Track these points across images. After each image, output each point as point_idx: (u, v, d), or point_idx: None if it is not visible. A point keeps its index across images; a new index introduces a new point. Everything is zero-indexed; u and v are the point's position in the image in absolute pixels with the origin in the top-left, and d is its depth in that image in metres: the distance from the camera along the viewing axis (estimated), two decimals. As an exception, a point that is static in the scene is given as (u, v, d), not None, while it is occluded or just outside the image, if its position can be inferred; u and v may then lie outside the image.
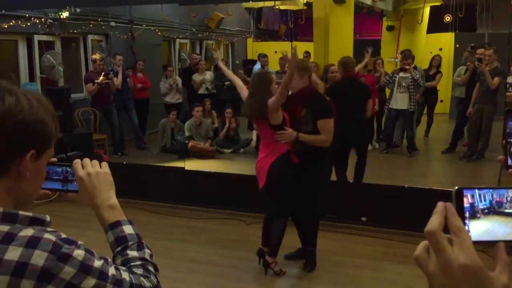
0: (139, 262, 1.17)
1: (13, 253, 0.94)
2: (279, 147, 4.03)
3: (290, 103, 4.14)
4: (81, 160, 1.27)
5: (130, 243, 1.20)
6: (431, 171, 7.98)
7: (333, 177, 5.54)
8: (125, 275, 1.08)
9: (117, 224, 1.22)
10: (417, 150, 8.08)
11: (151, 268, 1.18)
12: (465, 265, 0.62)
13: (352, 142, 5.58)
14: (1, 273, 0.93)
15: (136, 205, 5.98)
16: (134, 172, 6.38)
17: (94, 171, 1.25)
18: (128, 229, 1.22)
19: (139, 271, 1.15)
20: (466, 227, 0.67)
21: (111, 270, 1.05)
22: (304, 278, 4.25)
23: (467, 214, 0.68)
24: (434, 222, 0.64)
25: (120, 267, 1.11)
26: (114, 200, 1.25)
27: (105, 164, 1.29)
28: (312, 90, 4.23)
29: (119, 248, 1.19)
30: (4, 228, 0.97)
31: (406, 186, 5.26)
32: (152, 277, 1.16)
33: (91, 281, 0.99)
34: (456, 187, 0.69)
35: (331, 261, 4.51)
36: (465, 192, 0.69)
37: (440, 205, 0.66)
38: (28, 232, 0.98)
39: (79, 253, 1.00)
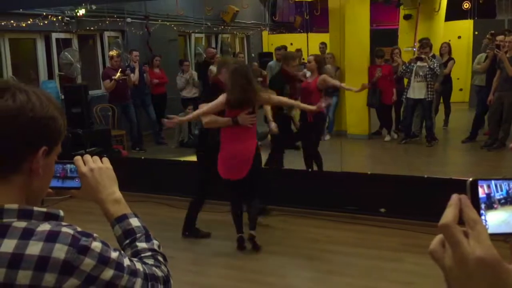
0: (149, 253, 1.19)
1: (34, 248, 0.96)
2: (254, 133, 4.40)
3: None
4: (82, 156, 1.27)
5: (138, 235, 1.21)
6: (451, 161, 7.89)
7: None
8: (139, 266, 1.10)
9: (124, 217, 1.23)
10: (436, 140, 7.98)
11: (160, 258, 1.21)
12: (481, 258, 0.60)
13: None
14: (23, 268, 0.94)
15: (155, 200, 6.04)
16: (153, 167, 6.43)
17: (97, 166, 1.26)
18: (134, 222, 1.24)
19: (150, 261, 1.17)
20: (483, 218, 0.66)
21: (126, 261, 1.07)
22: (322, 271, 4.24)
23: (483, 205, 0.67)
24: (448, 215, 0.63)
25: (132, 258, 1.13)
26: (118, 194, 1.26)
27: (106, 160, 1.30)
28: None
29: (127, 241, 1.21)
30: (22, 224, 0.99)
31: (426, 176, 5.20)
32: (163, 267, 1.18)
33: (110, 272, 1.01)
34: (471, 179, 0.68)
35: (350, 253, 4.50)
36: (481, 182, 0.68)
37: (455, 197, 0.65)
38: (46, 227, 0.99)
39: (96, 245, 1.01)
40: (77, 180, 1.25)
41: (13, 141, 1.00)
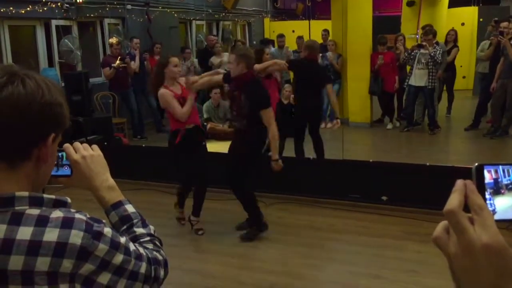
0: (147, 238, 1.22)
1: (51, 235, 0.96)
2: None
3: (231, 86, 4.56)
4: (71, 144, 1.26)
5: (135, 221, 1.23)
6: (453, 149, 7.86)
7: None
8: (142, 250, 1.12)
9: (119, 204, 1.24)
10: (438, 128, 7.95)
11: (158, 243, 1.24)
12: (488, 245, 0.58)
13: (309, 119, 6.09)
14: (42, 254, 0.95)
15: (157, 188, 6.03)
16: (154, 155, 6.41)
17: (88, 153, 1.26)
18: (130, 208, 1.25)
19: (150, 246, 1.20)
20: (491, 203, 0.64)
21: (132, 246, 1.09)
22: (325, 260, 4.24)
23: (490, 190, 0.65)
24: (453, 201, 0.61)
25: (135, 243, 1.14)
26: (111, 181, 1.26)
27: (96, 147, 1.29)
28: (251, 78, 4.38)
29: (124, 227, 1.22)
30: (35, 211, 0.99)
31: (428, 164, 5.17)
32: (162, 251, 1.22)
33: (120, 257, 1.04)
34: (476, 164, 0.65)
35: (353, 241, 4.49)
36: (488, 168, 0.65)
37: (460, 182, 0.63)
38: (58, 213, 1.00)
39: (108, 231, 1.04)
40: (66, 168, 1.24)
41: (25, 128, 0.99)
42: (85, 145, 1.27)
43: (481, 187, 0.64)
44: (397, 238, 4.48)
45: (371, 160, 5.52)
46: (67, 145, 1.24)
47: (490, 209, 0.63)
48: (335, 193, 5.34)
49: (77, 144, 1.26)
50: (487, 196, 0.65)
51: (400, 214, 4.93)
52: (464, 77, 10.65)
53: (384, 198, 5.17)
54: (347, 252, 4.34)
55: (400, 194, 5.09)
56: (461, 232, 0.60)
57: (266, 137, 4.46)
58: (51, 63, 8.27)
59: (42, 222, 0.97)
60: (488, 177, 0.65)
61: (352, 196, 5.27)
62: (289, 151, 6.11)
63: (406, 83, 7.92)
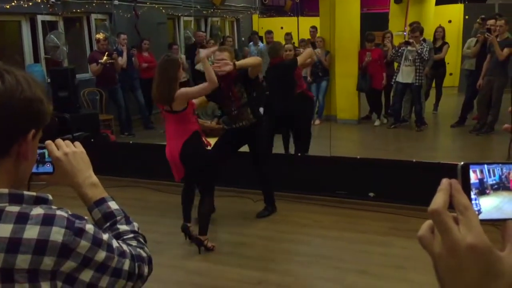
0: (131, 235, 1.21)
1: (32, 232, 0.95)
2: (185, 130, 4.11)
3: (222, 85, 4.35)
4: (53, 141, 1.24)
5: (118, 217, 1.22)
6: (439, 145, 7.92)
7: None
8: (125, 247, 1.11)
9: (102, 200, 1.23)
10: (425, 124, 8.00)
11: (142, 240, 1.23)
12: (472, 245, 0.58)
13: (289, 121, 5.90)
14: (22, 252, 0.94)
15: (145, 185, 6.00)
16: (142, 151, 6.38)
17: (71, 150, 1.24)
18: (113, 205, 1.24)
19: (134, 243, 1.18)
20: (476, 203, 0.64)
21: (115, 243, 1.08)
22: (312, 256, 4.25)
23: (476, 191, 0.64)
24: (438, 200, 0.61)
25: (118, 240, 1.13)
26: (94, 177, 1.25)
27: (78, 144, 1.28)
28: (235, 72, 4.37)
29: (107, 224, 1.21)
30: (15, 208, 0.97)
31: (414, 160, 5.21)
32: (146, 248, 1.20)
33: (102, 254, 1.03)
34: (462, 163, 0.65)
35: (340, 237, 4.51)
36: (474, 167, 0.65)
37: (445, 182, 0.62)
38: (39, 210, 0.98)
39: (90, 227, 1.03)
40: (48, 165, 1.22)
41: (4, 125, 0.98)
42: (68, 142, 1.26)
43: (466, 187, 0.64)
44: (384, 234, 4.51)
45: (358, 157, 5.54)
46: (49, 142, 1.22)
47: (476, 209, 0.63)
48: (322, 189, 5.36)
49: (59, 141, 1.24)
50: (473, 196, 0.64)
51: (387, 210, 4.95)
52: (450, 74, 10.72)
53: (371, 194, 5.20)
54: (334, 248, 4.36)
55: (387, 191, 5.12)
56: (446, 232, 0.60)
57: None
58: (37, 59, 8.17)
59: (22, 219, 0.96)
60: (473, 177, 0.65)
61: (339, 192, 5.29)
62: (277, 148, 6.11)
63: (393, 80, 7.96)
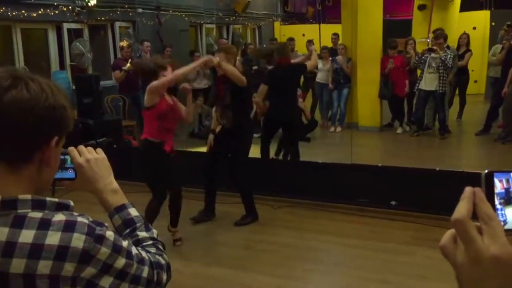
0: (150, 242, 1.22)
1: (53, 238, 0.97)
2: (150, 129, 4.27)
3: (216, 82, 4.83)
4: (75, 147, 1.26)
5: (138, 224, 1.23)
6: (463, 154, 7.78)
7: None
8: (144, 254, 1.12)
9: (123, 207, 1.24)
10: (449, 132, 7.88)
11: (161, 247, 1.23)
12: (496, 256, 0.57)
13: (283, 122, 5.81)
14: (44, 258, 0.95)
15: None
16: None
17: (93, 157, 1.25)
18: (133, 212, 1.25)
19: (152, 250, 1.19)
20: (502, 213, 0.62)
21: (134, 250, 1.09)
22: (332, 264, 4.21)
23: (501, 200, 0.63)
24: (461, 209, 0.59)
25: (137, 247, 1.14)
26: (115, 184, 1.26)
27: (100, 150, 1.29)
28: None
29: (127, 230, 1.22)
30: (38, 214, 0.99)
31: (437, 169, 5.12)
32: (164, 255, 1.21)
33: (122, 260, 1.04)
34: (486, 171, 0.63)
35: (360, 246, 4.46)
36: (499, 176, 0.63)
37: (468, 190, 0.61)
38: (60, 217, 1.00)
39: (110, 234, 1.03)
40: (71, 171, 1.23)
41: (28, 132, 1.00)
42: (90, 148, 1.27)
43: (490, 195, 0.62)
44: (406, 243, 4.44)
45: (380, 165, 5.48)
46: (71, 148, 1.24)
47: (501, 219, 0.61)
48: (344, 197, 5.31)
49: (81, 147, 1.26)
50: (498, 206, 0.62)
51: (409, 219, 4.88)
52: (475, 81, 10.55)
53: (393, 202, 5.13)
54: (355, 257, 4.31)
55: (409, 199, 5.05)
56: (469, 242, 0.58)
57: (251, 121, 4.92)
58: (62, 66, 8.34)
59: (44, 225, 0.98)
60: (499, 186, 0.63)
61: (361, 200, 5.23)
62: (301, 155, 6.08)
63: (416, 87, 7.87)
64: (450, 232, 0.62)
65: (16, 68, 1.06)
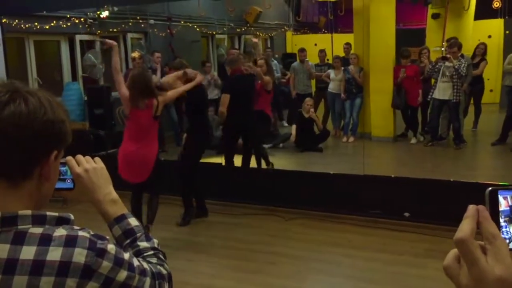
0: (151, 252, 1.21)
1: (55, 254, 0.96)
2: (154, 138, 4.67)
3: None
4: (74, 157, 1.25)
5: (138, 234, 1.22)
6: (479, 164, 7.65)
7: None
8: (146, 265, 1.11)
9: (123, 217, 1.23)
10: (464, 142, 7.75)
11: (162, 257, 1.22)
12: (501, 278, 0.53)
13: (244, 132, 6.07)
14: (46, 274, 0.95)
15: (175, 202, 6.00)
16: (173, 168, 6.40)
17: (91, 167, 1.24)
18: (133, 222, 1.24)
19: (154, 260, 1.18)
20: (507, 231, 0.57)
21: (135, 261, 1.08)
22: (345, 276, 4.12)
23: (505, 218, 0.57)
24: (465, 228, 0.56)
25: (138, 258, 1.14)
26: (114, 194, 1.25)
27: (98, 159, 1.28)
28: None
29: (128, 241, 1.21)
30: (38, 230, 0.98)
31: (452, 179, 5.02)
32: (166, 265, 1.20)
33: (124, 273, 1.03)
34: (490, 188, 0.59)
35: (373, 258, 4.37)
36: (504, 193, 0.58)
37: (471, 208, 0.57)
38: (61, 231, 0.99)
39: (112, 247, 1.03)
40: (69, 181, 1.22)
41: (27, 147, 0.99)
42: (88, 158, 1.26)
43: (495, 214, 0.58)
44: (419, 256, 4.35)
45: (392, 175, 5.39)
46: (69, 158, 1.23)
47: (506, 237, 0.56)
48: (356, 209, 5.23)
49: (79, 157, 1.25)
50: (503, 223, 0.58)
51: (423, 231, 4.79)
52: (491, 90, 10.41)
53: (406, 214, 5.03)
54: (366, 270, 4.22)
55: (423, 211, 4.95)
56: (473, 263, 0.55)
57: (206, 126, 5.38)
58: (74, 77, 8.41)
59: (45, 241, 0.97)
60: (504, 204, 0.59)
61: (374, 212, 5.14)
62: (310, 165, 6.02)
63: (429, 97, 7.76)
64: (454, 251, 0.59)
65: (15, 82, 1.05)
